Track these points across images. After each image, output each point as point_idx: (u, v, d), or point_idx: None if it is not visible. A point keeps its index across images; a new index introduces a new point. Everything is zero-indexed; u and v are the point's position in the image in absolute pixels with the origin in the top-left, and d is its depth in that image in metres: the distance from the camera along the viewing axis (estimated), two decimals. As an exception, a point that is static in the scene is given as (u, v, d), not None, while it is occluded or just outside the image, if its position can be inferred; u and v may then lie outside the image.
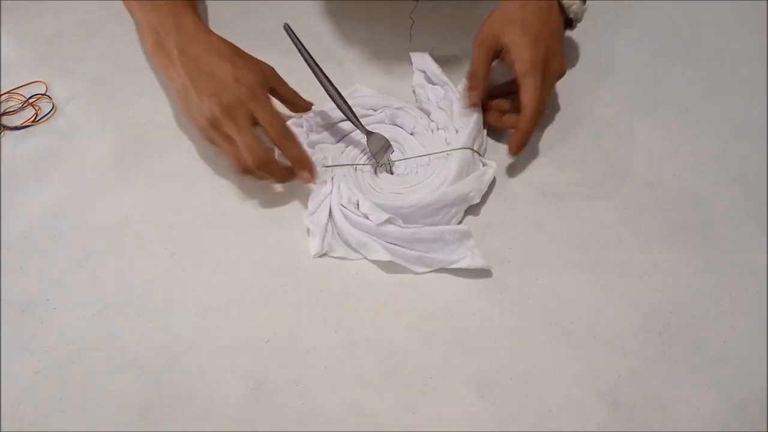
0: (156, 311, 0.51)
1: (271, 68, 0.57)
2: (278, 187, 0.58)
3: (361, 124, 0.58)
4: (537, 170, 0.59)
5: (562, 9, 0.60)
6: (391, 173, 0.58)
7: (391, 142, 0.59)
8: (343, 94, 0.59)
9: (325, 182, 0.56)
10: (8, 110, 0.64)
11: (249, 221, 0.56)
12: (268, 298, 0.52)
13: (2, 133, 0.63)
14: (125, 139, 0.62)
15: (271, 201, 0.58)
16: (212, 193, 0.58)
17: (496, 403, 0.46)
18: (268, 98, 0.55)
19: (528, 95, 0.55)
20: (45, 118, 0.64)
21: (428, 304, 0.51)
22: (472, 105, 0.58)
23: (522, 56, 0.55)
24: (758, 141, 0.61)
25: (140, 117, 0.64)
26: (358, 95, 0.64)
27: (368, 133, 0.58)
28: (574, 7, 0.60)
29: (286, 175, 0.55)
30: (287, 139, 0.54)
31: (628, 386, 0.47)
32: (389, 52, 0.68)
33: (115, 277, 0.53)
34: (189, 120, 0.57)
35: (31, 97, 0.65)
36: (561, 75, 0.59)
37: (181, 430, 0.45)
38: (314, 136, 0.60)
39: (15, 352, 0.49)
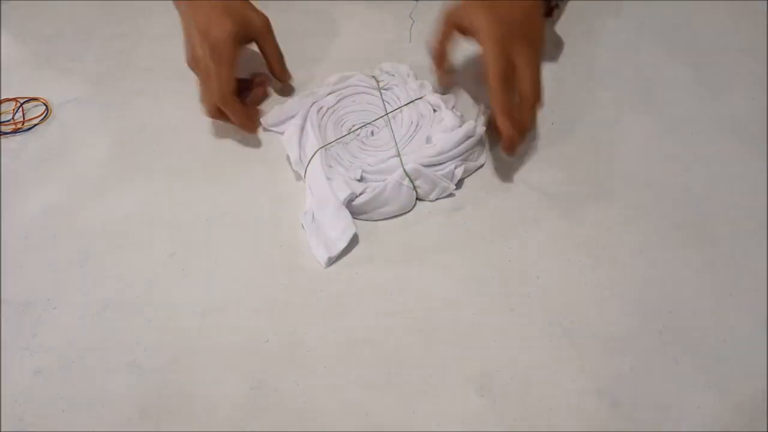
0: (156, 311, 0.51)
1: (261, 24, 0.60)
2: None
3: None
4: (537, 170, 0.59)
5: None
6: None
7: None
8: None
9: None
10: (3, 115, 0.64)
11: (249, 221, 0.56)
12: (268, 298, 0.52)
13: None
14: (125, 139, 0.63)
15: (272, 201, 0.58)
16: (212, 193, 0.58)
17: (496, 403, 0.46)
18: (228, 59, 0.57)
19: (490, 73, 0.54)
20: (38, 123, 0.64)
21: (428, 303, 0.51)
22: (446, 85, 0.61)
23: (486, 36, 0.54)
24: (758, 141, 0.61)
25: (140, 117, 0.64)
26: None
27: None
28: None
29: (243, 120, 0.59)
30: (226, 104, 0.58)
31: (628, 386, 0.47)
32: (389, 52, 0.68)
33: (115, 277, 0.53)
34: None
35: (25, 102, 0.65)
36: (540, 58, 0.57)
37: (181, 430, 0.45)
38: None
39: (15, 352, 0.49)
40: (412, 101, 0.61)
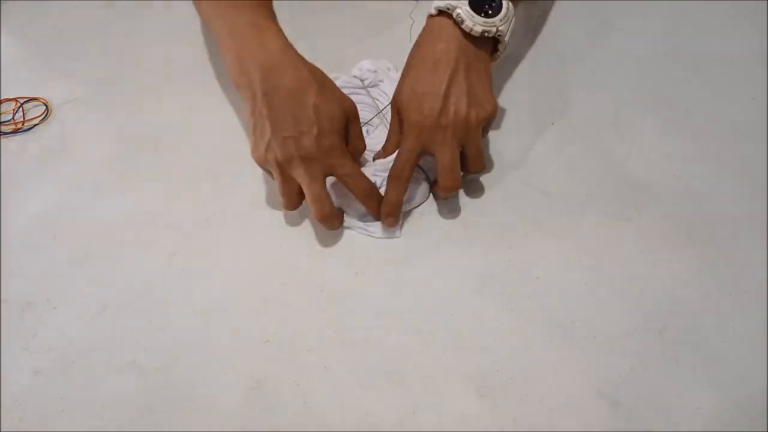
0: (156, 311, 0.51)
1: (353, 106, 0.53)
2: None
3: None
4: (537, 170, 0.59)
5: (468, 35, 0.52)
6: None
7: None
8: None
9: None
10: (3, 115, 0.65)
11: (249, 221, 0.56)
12: (268, 298, 0.52)
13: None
14: (125, 139, 0.63)
15: (272, 201, 0.58)
16: (212, 193, 0.58)
17: (496, 403, 0.46)
18: (348, 152, 0.52)
19: (396, 159, 0.53)
20: (38, 123, 0.64)
21: (428, 303, 0.51)
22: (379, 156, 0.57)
23: (407, 126, 0.52)
24: (758, 141, 0.61)
25: (140, 117, 0.64)
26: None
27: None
28: (477, 27, 0.51)
29: (337, 226, 0.55)
30: (371, 197, 0.53)
31: (628, 386, 0.47)
32: (389, 52, 0.68)
33: (114, 277, 0.53)
34: (252, 151, 0.52)
35: (25, 102, 0.65)
36: (487, 119, 0.53)
37: (181, 430, 0.45)
38: None
39: (15, 352, 0.49)
40: None
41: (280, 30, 0.53)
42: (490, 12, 0.53)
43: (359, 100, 0.63)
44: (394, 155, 0.58)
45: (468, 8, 0.52)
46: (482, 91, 0.53)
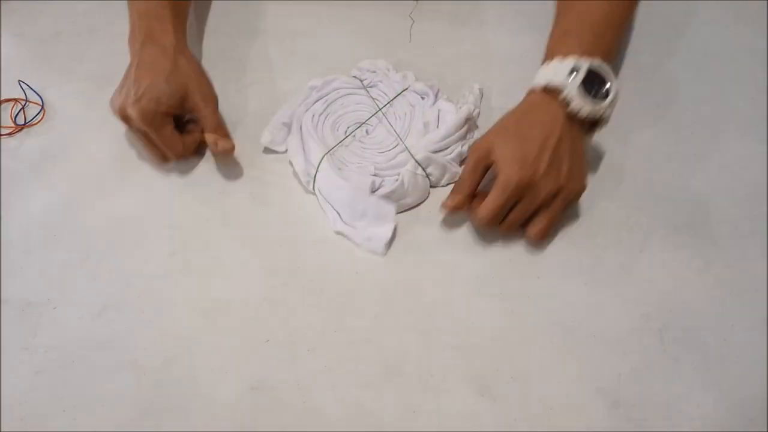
0: (156, 311, 0.51)
1: (202, 99, 0.57)
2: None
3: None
4: (537, 170, 0.59)
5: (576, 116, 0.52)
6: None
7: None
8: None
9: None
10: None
11: (249, 221, 0.56)
12: (268, 298, 0.52)
13: None
14: (125, 139, 0.62)
15: (272, 201, 0.58)
16: (212, 193, 0.58)
17: (496, 403, 0.46)
18: (160, 127, 0.56)
19: (484, 204, 0.51)
20: (37, 123, 0.64)
21: (428, 303, 0.51)
22: (448, 208, 0.54)
23: (504, 175, 0.50)
24: (758, 141, 0.61)
25: (140, 117, 0.64)
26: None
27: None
28: (584, 110, 0.52)
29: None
30: (185, 157, 0.59)
31: (628, 385, 0.47)
32: (389, 52, 0.68)
33: (115, 277, 0.53)
34: None
35: (24, 102, 0.65)
36: (578, 195, 0.54)
37: (181, 430, 0.45)
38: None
39: (15, 352, 0.49)
40: (400, 93, 0.62)
41: (173, 22, 0.60)
42: (597, 94, 0.53)
43: (357, 100, 0.63)
44: (395, 152, 0.58)
45: (577, 90, 0.51)
46: (578, 169, 0.53)
